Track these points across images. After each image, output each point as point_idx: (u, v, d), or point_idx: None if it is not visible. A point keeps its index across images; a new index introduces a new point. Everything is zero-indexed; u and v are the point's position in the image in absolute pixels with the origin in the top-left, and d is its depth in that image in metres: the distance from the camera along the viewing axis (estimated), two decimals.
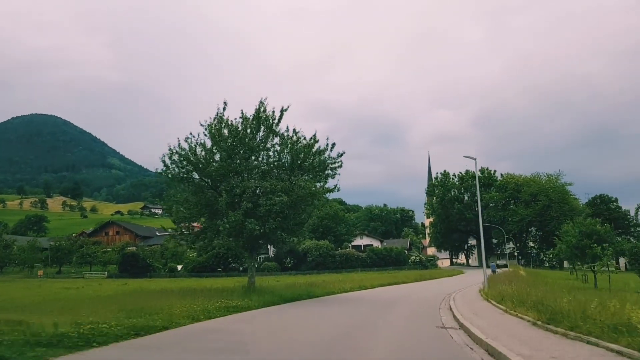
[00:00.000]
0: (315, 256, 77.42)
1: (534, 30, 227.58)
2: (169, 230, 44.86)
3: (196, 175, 24.55)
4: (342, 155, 24.73)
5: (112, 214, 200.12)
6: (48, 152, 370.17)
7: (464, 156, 26.30)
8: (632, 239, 76.77)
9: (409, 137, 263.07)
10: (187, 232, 27.41)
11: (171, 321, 12.58)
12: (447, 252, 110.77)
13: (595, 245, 28.01)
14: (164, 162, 24.36)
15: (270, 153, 24.78)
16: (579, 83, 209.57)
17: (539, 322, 10.63)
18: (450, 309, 17.08)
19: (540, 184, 77.89)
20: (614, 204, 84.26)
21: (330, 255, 78.25)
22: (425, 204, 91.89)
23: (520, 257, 78.04)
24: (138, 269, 74.47)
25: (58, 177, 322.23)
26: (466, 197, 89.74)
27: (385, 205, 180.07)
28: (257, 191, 22.85)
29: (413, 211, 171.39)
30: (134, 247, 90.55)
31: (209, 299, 17.41)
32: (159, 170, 24.78)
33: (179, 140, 24.04)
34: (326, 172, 24.40)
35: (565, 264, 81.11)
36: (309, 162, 23.92)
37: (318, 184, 24.41)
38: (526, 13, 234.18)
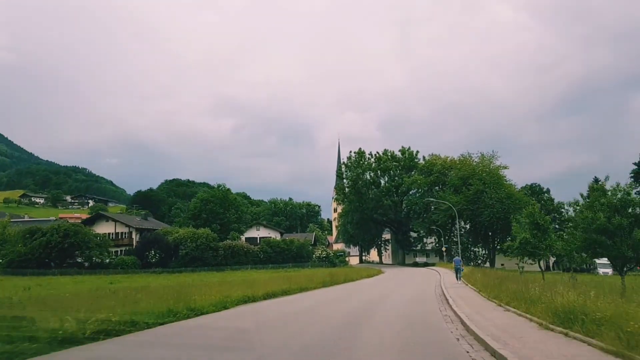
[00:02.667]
0: (190, 249, 58.00)
1: (436, 42, 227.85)
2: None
3: None
4: None
5: None
6: None
7: None
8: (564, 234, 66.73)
9: (317, 138, 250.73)
10: None
11: None
12: (357, 247, 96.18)
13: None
14: None
15: None
16: (476, 95, 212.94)
17: None
18: None
19: (471, 167, 65.29)
20: (547, 194, 74.48)
21: (212, 248, 59.30)
22: (335, 186, 75.78)
23: (445, 254, 65.05)
24: None
25: None
26: (383, 182, 75.13)
27: (290, 199, 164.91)
28: None
29: (319, 206, 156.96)
30: None
31: None
32: None
33: None
34: None
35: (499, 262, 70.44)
36: None
37: None
38: (429, 25, 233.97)
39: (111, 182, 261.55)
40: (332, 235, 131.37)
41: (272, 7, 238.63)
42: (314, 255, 62.94)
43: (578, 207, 23.50)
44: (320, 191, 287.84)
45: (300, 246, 62.81)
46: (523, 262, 51.12)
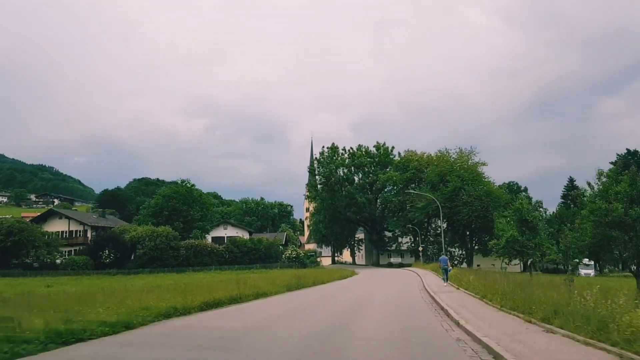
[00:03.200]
0: (148, 248, 53.16)
1: (411, 45, 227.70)
2: None
3: None
4: None
5: None
6: None
7: None
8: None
9: (292, 139, 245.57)
10: None
11: None
12: (329, 247, 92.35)
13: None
14: None
15: None
16: (450, 98, 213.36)
17: None
18: None
19: (449, 163, 62.40)
20: (524, 193, 72.35)
21: (172, 248, 54.61)
22: (307, 183, 71.92)
23: (421, 254, 61.97)
24: None
25: None
26: (357, 178, 71.68)
27: (262, 198, 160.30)
28: None
29: (292, 206, 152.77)
30: None
31: None
32: None
33: None
34: None
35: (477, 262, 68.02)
36: None
37: None
38: (405, 28, 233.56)
39: (79, 181, 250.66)
40: (304, 235, 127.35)
41: (248, 7, 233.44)
42: (284, 256, 58.90)
43: (586, 197, 20.12)
44: (293, 192, 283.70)
45: (268, 246, 58.70)
46: (506, 264, 48.59)
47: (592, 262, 56.39)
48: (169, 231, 55.07)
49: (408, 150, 69.82)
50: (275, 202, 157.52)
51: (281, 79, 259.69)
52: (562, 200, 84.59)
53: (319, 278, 30.09)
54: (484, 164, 62.20)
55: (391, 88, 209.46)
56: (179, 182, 67.57)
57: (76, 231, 65.02)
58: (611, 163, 55.32)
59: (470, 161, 62.08)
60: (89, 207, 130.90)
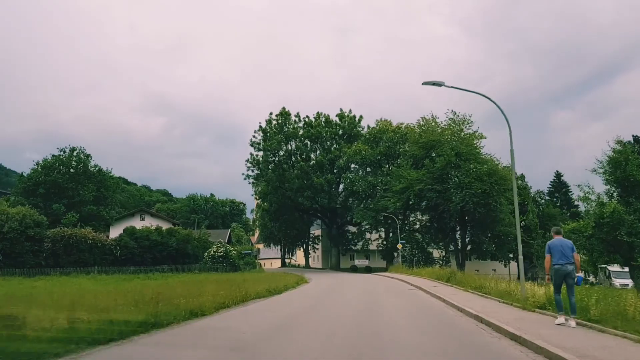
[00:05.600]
0: None
1: (372, 52, 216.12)
2: None
3: None
4: None
5: None
6: None
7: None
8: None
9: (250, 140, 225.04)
10: None
11: None
12: (279, 246, 74.99)
13: None
14: None
15: None
16: (409, 106, 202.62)
17: None
18: None
19: (436, 133, 46.71)
20: (521, 181, 57.66)
21: (32, 239, 36.12)
22: (247, 160, 54.26)
23: (399, 253, 46.06)
24: None
25: None
26: (314, 155, 54.95)
27: (212, 195, 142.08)
28: None
29: (245, 204, 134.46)
30: None
31: None
32: None
33: None
34: None
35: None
36: None
37: None
38: (366, 34, 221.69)
39: (22, 174, 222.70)
40: (255, 234, 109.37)
41: (210, 6, 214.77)
42: (206, 254, 41.34)
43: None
44: (250, 195, 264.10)
45: (183, 239, 40.95)
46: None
47: (627, 269, 42.31)
48: (27, 212, 36.36)
49: (381, 120, 53.54)
50: (226, 199, 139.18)
51: (244, 81, 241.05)
52: (549, 197, 72.01)
53: (232, 293, 13.56)
54: (482, 137, 46.66)
55: (352, 93, 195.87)
56: (67, 151, 48.54)
57: None
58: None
59: (462, 133, 46.35)
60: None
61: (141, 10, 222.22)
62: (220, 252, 41.30)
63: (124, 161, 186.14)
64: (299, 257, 76.96)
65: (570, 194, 67.85)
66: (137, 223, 55.98)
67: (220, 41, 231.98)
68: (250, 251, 45.36)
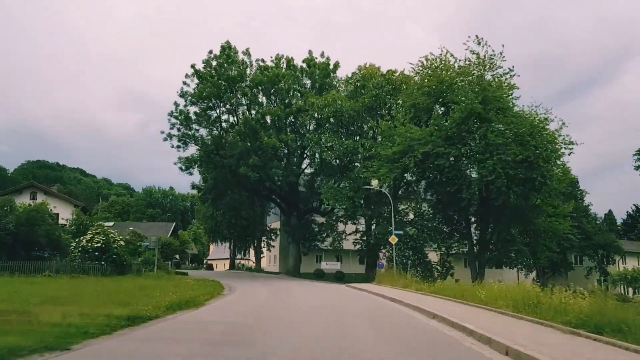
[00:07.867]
0: None
1: (353, 54, 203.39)
2: None
3: None
4: None
5: None
6: None
7: None
8: None
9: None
10: None
11: None
12: (228, 244, 58.17)
13: None
14: None
15: None
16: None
17: None
18: None
19: (449, 75, 30.93)
20: None
21: None
22: (170, 114, 36.97)
23: (392, 251, 30.27)
24: None
25: None
26: (269, 109, 38.39)
27: (171, 188, 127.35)
28: None
29: None
30: None
31: None
32: None
33: None
34: None
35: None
36: None
37: None
38: (348, 36, 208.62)
39: None
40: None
41: (189, 3, 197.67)
42: (73, 246, 24.74)
43: None
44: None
45: (28, 219, 24.16)
46: None
47: None
48: None
49: (368, 64, 37.07)
50: (187, 194, 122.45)
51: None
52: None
53: None
54: (514, 87, 30.61)
55: None
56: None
57: None
58: None
59: (491, 72, 30.47)
60: None
61: (115, 4, 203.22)
62: (98, 243, 24.63)
63: (99, 157, 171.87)
64: (250, 255, 60.39)
65: None
66: (27, 202, 39.10)
67: (198, 39, 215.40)
68: (148, 243, 28.54)
